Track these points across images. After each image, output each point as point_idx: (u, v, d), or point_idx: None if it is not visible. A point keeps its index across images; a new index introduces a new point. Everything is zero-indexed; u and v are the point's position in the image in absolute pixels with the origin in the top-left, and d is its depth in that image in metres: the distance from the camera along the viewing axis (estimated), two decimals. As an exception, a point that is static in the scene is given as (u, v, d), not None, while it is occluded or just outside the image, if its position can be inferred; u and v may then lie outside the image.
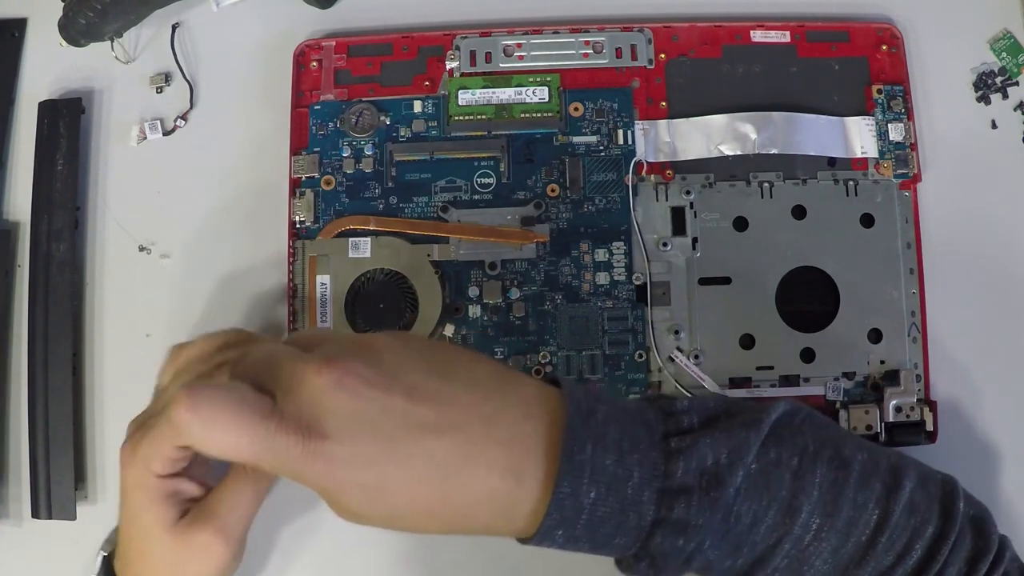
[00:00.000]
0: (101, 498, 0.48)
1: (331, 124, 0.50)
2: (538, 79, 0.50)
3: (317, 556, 0.48)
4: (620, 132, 0.49)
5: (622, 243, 0.48)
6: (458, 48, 0.50)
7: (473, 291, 0.48)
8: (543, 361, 0.48)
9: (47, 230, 0.49)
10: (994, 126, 0.50)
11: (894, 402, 0.46)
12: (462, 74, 0.50)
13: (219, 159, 0.51)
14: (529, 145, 0.49)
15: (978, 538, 0.38)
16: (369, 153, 0.49)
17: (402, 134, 0.50)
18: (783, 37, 0.50)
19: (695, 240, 0.48)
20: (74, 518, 0.47)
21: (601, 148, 0.49)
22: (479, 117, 0.49)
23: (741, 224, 0.48)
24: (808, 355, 0.47)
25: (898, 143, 0.49)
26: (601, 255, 0.48)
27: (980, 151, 0.50)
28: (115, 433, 0.49)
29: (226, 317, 0.49)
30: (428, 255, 0.48)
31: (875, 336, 0.47)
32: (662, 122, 0.50)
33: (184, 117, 0.51)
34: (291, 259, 0.48)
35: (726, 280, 0.48)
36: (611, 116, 0.49)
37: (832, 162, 0.49)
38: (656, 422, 0.36)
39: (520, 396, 0.35)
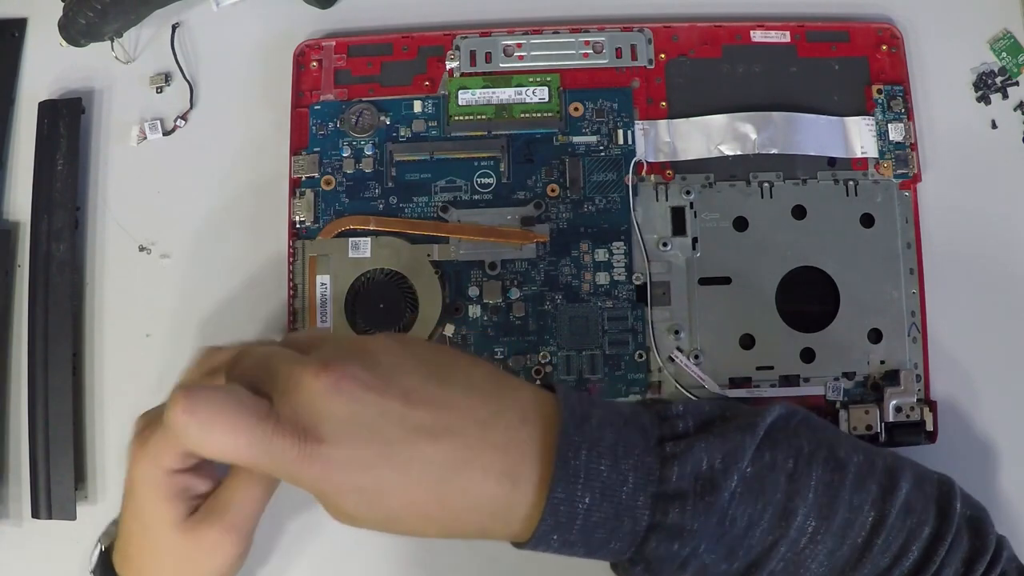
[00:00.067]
0: (101, 498, 0.48)
1: (331, 124, 0.50)
2: (538, 79, 0.50)
3: (316, 557, 0.48)
4: (620, 132, 0.49)
5: (622, 243, 0.48)
6: (458, 48, 0.50)
7: (473, 291, 0.48)
8: (543, 361, 0.48)
9: (47, 230, 0.49)
10: (994, 126, 0.50)
11: (894, 402, 0.46)
12: (462, 74, 0.50)
13: (219, 159, 0.51)
14: (529, 145, 0.49)
15: (975, 538, 0.37)
16: (369, 153, 0.49)
17: (402, 134, 0.50)
18: (783, 37, 0.50)
19: (695, 240, 0.48)
20: (74, 518, 0.47)
21: (601, 148, 0.49)
22: (479, 117, 0.49)
23: (741, 224, 0.48)
24: (808, 355, 0.47)
25: (898, 143, 0.49)
26: (601, 255, 0.48)
27: (980, 151, 0.50)
28: (115, 433, 0.49)
29: (226, 317, 0.49)
30: (428, 255, 0.48)
31: (875, 336, 0.47)
32: (662, 122, 0.50)
33: (184, 117, 0.51)
34: (291, 259, 0.48)
35: (726, 280, 0.48)
36: (611, 116, 0.49)
37: (832, 162, 0.49)
38: (651, 427, 0.36)
39: (516, 401, 0.35)
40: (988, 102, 0.50)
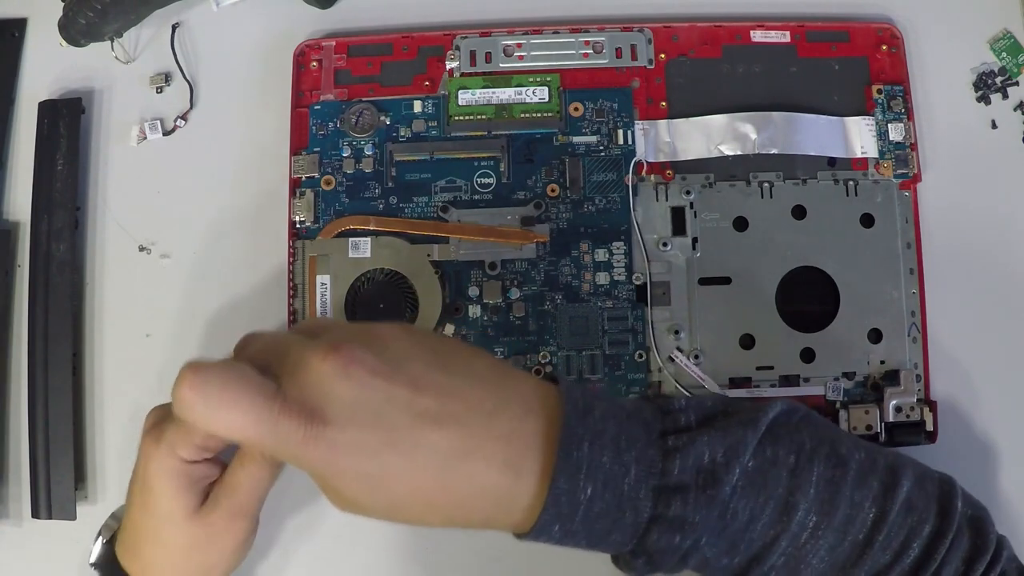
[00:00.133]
0: (101, 498, 0.48)
1: (331, 124, 0.50)
2: (538, 79, 0.50)
3: (315, 554, 0.48)
4: (620, 132, 0.49)
5: (622, 243, 0.48)
6: (458, 48, 0.50)
7: (473, 291, 0.48)
8: (543, 361, 0.48)
9: (47, 230, 0.49)
10: (994, 126, 0.50)
11: (894, 402, 0.46)
12: (462, 74, 0.50)
13: (219, 159, 0.51)
14: (529, 145, 0.49)
15: (976, 537, 0.38)
16: (369, 153, 0.49)
17: (402, 134, 0.50)
18: (783, 37, 0.50)
19: (695, 240, 0.48)
20: (74, 518, 0.47)
21: (601, 148, 0.49)
22: (479, 117, 0.49)
23: (741, 224, 0.48)
24: (808, 355, 0.47)
25: (898, 143, 0.49)
26: (601, 255, 0.48)
27: (980, 151, 0.50)
28: (115, 433, 0.49)
29: (226, 317, 0.49)
30: (428, 255, 0.48)
31: (875, 336, 0.47)
32: (662, 122, 0.50)
33: (184, 117, 0.51)
34: (291, 259, 0.48)
35: (726, 280, 0.48)
36: (611, 116, 0.49)
37: (832, 162, 0.49)
38: (653, 420, 0.36)
39: (520, 392, 0.36)
40: (988, 102, 0.50)
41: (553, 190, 0.49)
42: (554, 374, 0.47)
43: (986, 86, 0.50)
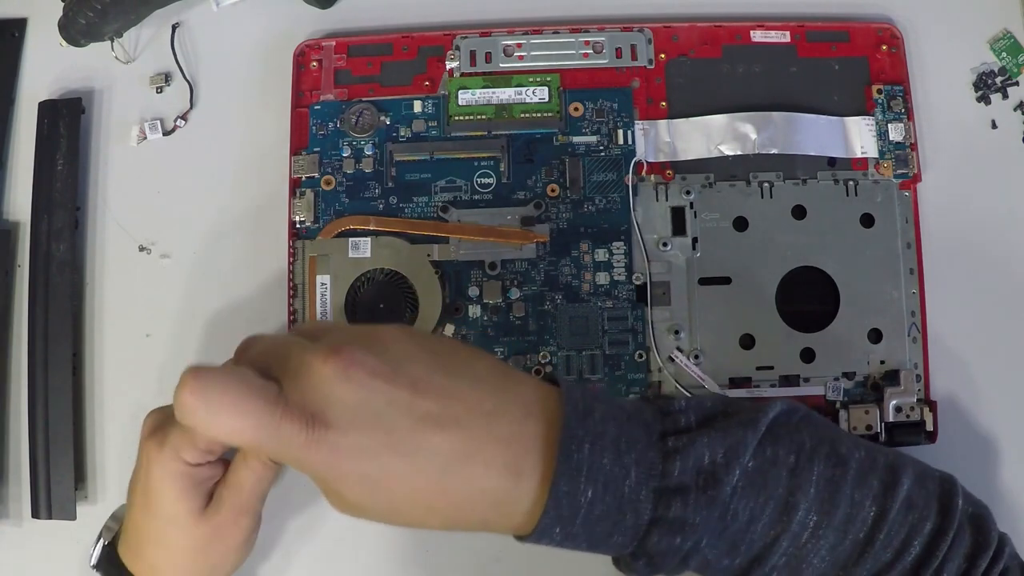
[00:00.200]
0: (101, 498, 0.48)
1: (331, 124, 0.50)
2: (538, 79, 0.50)
3: (316, 556, 0.48)
4: (620, 132, 0.49)
5: (622, 243, 0.48)
6: (458, 48, 0.50)
7: (473, 291, 0.48)
8: (543, 361, 0.48)
9: (47, 230, 0.49)
10: (994, 126, 0.50)
11: (894, 402, 0.46)
12: (462, 74, 0.50)
13: (219, 159, 0.51)
14: (529, 145, 0.49)
15: (977, 535, 0.38)
16: (369, 153, 0.49)
17: (402, 134, 0.50)
18: (783, 37, 0.50)
19: (695, 240, 0.48)
20: (74, 518, 0.47)
21: (601, 148, 0.49)
22: (479, 117, 0.49)
23: (741, 224, 0.48)
24: (808, 355, 0.47)
25: (898, 143, 0.49)
26: (601, 255, 0.48)
27: (980, 151, 0.50)
28: (115, 433, 0.49)
29: (226, 317, 0.49)
30: (428, 255, 0.48)
31: (875, 336, 0.47)
32: (662, 122, 0.50)
33: (184, 117, 0.51)
34: (291, 259, 0.48)
35: (726, 280, 0.48)
36: (611, 116, 0.49)
37: (832, 162, 0.49)
38: (653, 421, 0.36)
39: (520, 395, 0.36)
40: (988, 102, 0.50)
41: (553, 190, 0.49)
42: (554, 375, 0.47)
43: (986, 86, 0.50)
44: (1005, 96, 0.50)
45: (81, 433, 0.48)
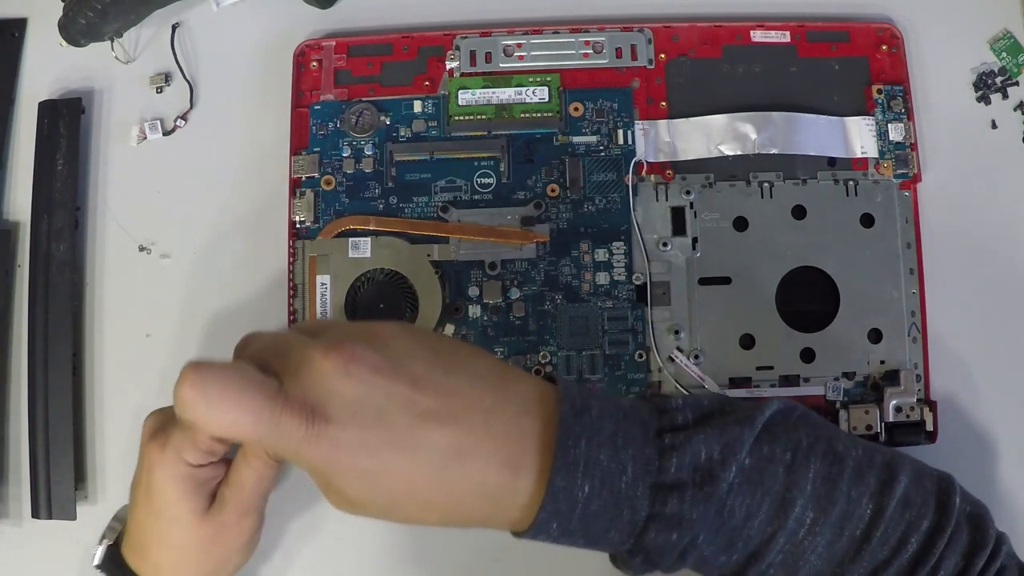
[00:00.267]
0: (101, 498, 0.48)
1: (331, 124, 0.50)
2: (538, 79, 0.50)
3: (317, 557, 0.48)
4: (620, 132, 0.49)
5: (622, 243, 0.48)
6: (458, 48, 0.50)
7: (473, 291, 0.48)
8: (543, 361, 0.48)
9: (47, 230, 0.49)
10: (994, 126, 0.50)
11: (894, 402, 0.46)
12: (462, 74, 0.50)
13: (219, 159, 0.51)
14: (529, 145, 0.49)
15: (975, 533, 0.38)
16: (369, 153, 0.49)
17: (402, 134, 0.50)
18: (783, 37, 0.50)
19: (695, 240, 0.48)
20: (74, 518, 0.47)
21: (601, 148, 0.49)
22: (479, 117, 0.49)
23: (741, 224, 0.48)
24: (808, 355, 0.47)
25: (898, 143, 0.49)
26: (601, 255, 0.48)
27: (980, 151, 0.50)
28: (115, 433, 0.49)
29: (226, 317, 0.49)
30: (428, 255, 0.48)
31: (875, 336, 0.47)
32: (662, 122, 0.50)
33: (184, 117, 0.51)
34: (291, 259, 0.48)
35: (726, 280, 0.48)
36: (611, 116, 0.49)
37: (832, 162, 0.49)
38: (650, 419, 0.36)
39: (518, 392, 0.36)
40: (988, 102, 0.50)
41: (553, 190, 0.49)
42: (552, 374, 0.47)
43: (986, 86, 0.50)
44: (1005, 96, 0.50)
45: (81, 433, 0.48)
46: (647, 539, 0.35)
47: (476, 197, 0.49)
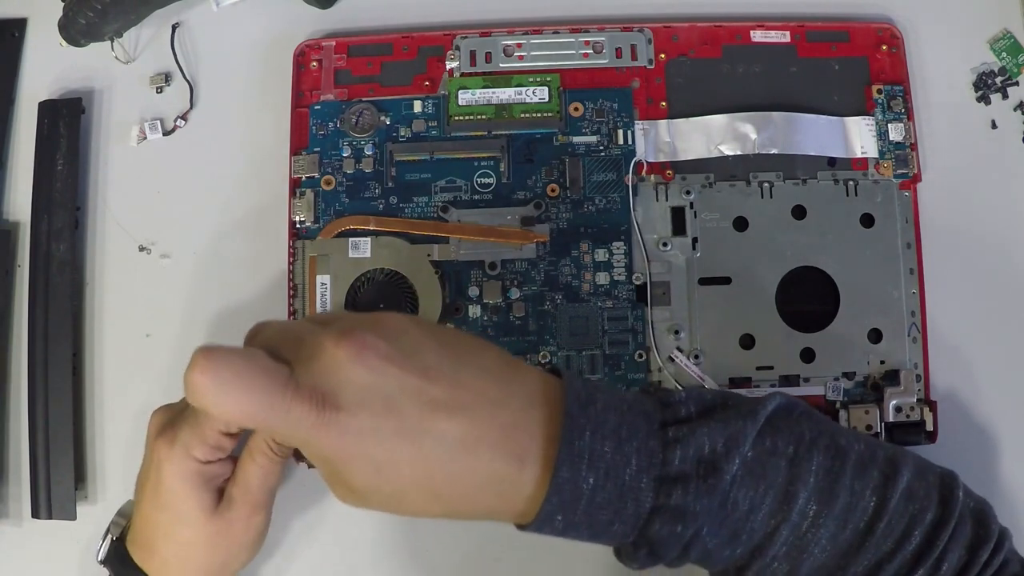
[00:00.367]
0: (101, 498, 0.48)
1: (331, 124, 0.50)
2: (538, 79, 0.50)
3: (318, 556, 0.48)
4: (620, 132, 0.49)
5: (622, 243, 0.48)
6: (458, 48, 0.50)
7: (473, 291, 0.48)
8: (543, 361, 0.48)
9: (47, 230, 0.49)
10: (994, 126, 0.50)
11: (894, 402, 0.46)
12: (462, 74, 0.50)
13: (219, 159, 0.51)
14: (529, 145, 0.49)
15: (978, 527, 0.38)
16: (369, 153, 0.49)
17: (402, 134, 0.50)
18: (783, 37, 0.50)
19: (695, 240, 0.48)
20: (74, 518, 0.47)
21: (601, 148, 0.49)
22: (479, 117, 0.49)
23: (741, 224, 0.48)
24: (808, 355, 0.47)
25: (898, 143, 0.49)
26: (601, 255, 0.48)
27: (980, 151, 0.50)
28: (115, 433, 0.49)
29: (226, 317, 0.49)
30: (428, 255, 0.48)
31: (875, 336, 0.47)
32: (662, 122, 0.50)
33: (184, 117, 0.51)
34: (291, 259, 0.48)
35: (726, 280, 0.48)
36: (611, 116, 0.49)
37: (832, 162, 0.49)
38: (654, 411, 0.36)
39: (524, 384, 0.36)
40: (988, 102, 0.50)
41: (553, 190, 0.49)
42: (556, 366, 0.47)
43: (986, 86, 0.50)
44: (1005, 96, 0.50)
45: (81, 433, 0.48)
46: (651, 531, 0.35)
47: (476, 197, 0.49)
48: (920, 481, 0.38)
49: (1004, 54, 0.51)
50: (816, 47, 0.50)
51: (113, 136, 0.51)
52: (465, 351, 0.36)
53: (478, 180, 0.49)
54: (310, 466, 0.45)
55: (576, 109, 0.49)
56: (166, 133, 0.51)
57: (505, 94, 0.50)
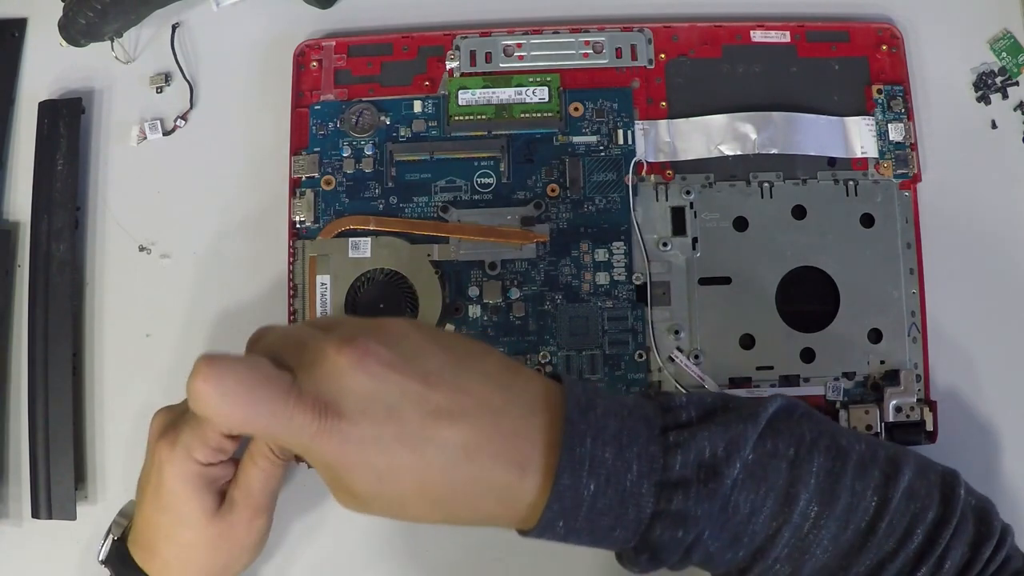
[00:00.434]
0: (101, 498, 0.48)
1: (331, 124, 0.50)
2: (538, 79, 0.50)
3: (318, 557, 0.48)
4: (620, 132, 0.49)
5: (622, 243, 0.48)
6: (458, 48, 0.50)
7: (473, 291, 0.48)
8: (543, 361, 0.48)
9: (47, 230, 0.49)
10: (994, 126, 0.50)
11: (894, 402, 0.46)
12: (462, 74, 0.50)
13: (219, 159, 0.51)
14: (529, 145, 0.49)
15: (980, 525, 0.38)
16: (369, 153, 0.49)
17: (402, 134, 0.50)
18: (783, 37, 0.50)
19: (695, 240, 0.48)
20: (74, 518, 0.47)
21: (601, 148, 0.49)
22: (479, 117, 0.49)
23: (741, 224, 0.48)
24: (808, 355, 0.47)
25: (898, 143, 0.49)
26: (601, 255, 0.48)
27: (980, 151, 0.50)
28: (115, 433, 0.49)
29: (226, 317, 0.49)
30: (428, 255, 0.48)
31: (875, 336, 0.47)
32: (662, 122, 0.50)
33: (184, 117, 0.51)
34: (291, 259, 0.48)
35: (726, 280, 0.48)
36: (611, 116, 0.49)
37: (832, 162, 0.49)
38: (654, 416, 0.36)
39: (526, 390, 0.36)
40: (988, 102, 0.50)
41: (553, 190, 0.49)
42: (556, 372, 0.47)
43: (986, 86, 0.50)
44: (1005, 96, 0.50)
45: (81, 433, 0.48)
46: (652, 536, 0.35)
47: (476, 197, 0.49)
48: (921, 480, 0.38)
49: (1004, 54, 0.51)
50: (816, 47, 0.50)
51: (113, 136, 0.51)
52: (466, 356, 0.36)
53: (478, 180, 0.49)
54: (310, 466, 0.45)
55: (576, 109, 0.49)
56: (166, 133, 0.51)
57: (505, 94, 0.50)
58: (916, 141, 0.49)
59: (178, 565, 0.41)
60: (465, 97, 0.50)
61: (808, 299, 0.48)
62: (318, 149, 0.49)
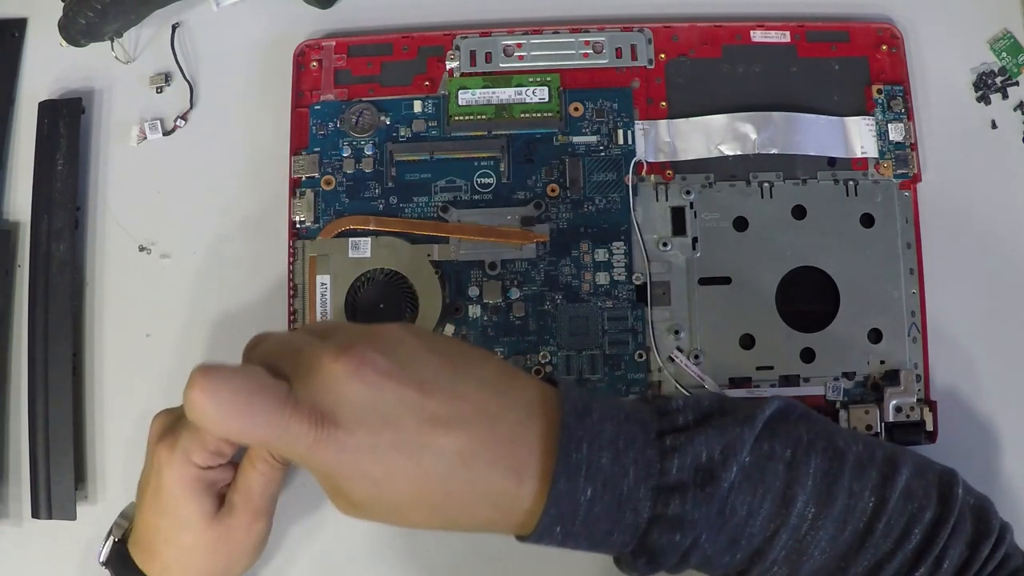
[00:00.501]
0: (101, 498, 0.48)
1: (331, 124, 0.50)
2: (538, 79, 0.50)
3: (318, 558, 0.48)
4: (620, 132, 0.49)
5: (622, 243, 0.48)
6: (458, 48, 0.50)
7: (473, 291, 0.48)
8: (543, 361, 0.48)
9: (47, 230, 0.49)
10: (994, 126, 0.50)
11: (894, 402, 0.46)
12: (462, 74, 0.50)
13: (219, 159, 0.51)
14: (529, 145, 0.49)
15: (979, 523, 0.38)
16: (369, 153, 0.49)
17: (402, 134, 0.50)
18: (783, 37, 0.50)
19: (695, 240, 0.48)
20: (74, 518, 0.47)
21: (601, 148, 0.49)
22: (479, 117, 0.49)
23: (741, 224, 0.48)
24: (808, 355, 0.47)
25: (898, 143, 0.49)
26: (601, 255, 0.48)
27: (980, 151, 0.50)
28: (115, 433, 0.49)
29: (226, 317, 0.49)
30: (428, 255, 0.48)
31: (875, 336, 0.47)
32: (662, 122, 0.50)
33: (184, 117, 0.51)
34: (291, 259, 0.48)
35: (726, 280, 0.48)
36: (611, 116, 0.49)
37: (832, 162, 0.49)
38: (651, 420, 0.36)
39: (523, 396, 0.36)
40: (988, 102, 0.50)
41: (553, 190, 0.49)
42: (552, 375, 0.47)
43: (986, 86, 0.50)
44: (1005, 96, 0.50)
45: (81, 433, 0.48)
46: (650, 541, 0.35)
47: (476, 197, 0.49)
48: (919, 480, 0.38)
49: (1004, 54, 0.51)
50: (816, 47, 0.50)
51: (113, 136, 0.51)
52: (463, 362, 0.36)
53: (478, 180, 0.49)
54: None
55: (576, 109, 0.49)
56: (166, 133, 0.51)
57: (505, 94, 0.50)
58: (916, 141, 0.49)
59: (178, 568, 0.41)
60: (465, 97, 0.50)
61: (808, 299, 0.48)
62: (318, 149, 0.49)
